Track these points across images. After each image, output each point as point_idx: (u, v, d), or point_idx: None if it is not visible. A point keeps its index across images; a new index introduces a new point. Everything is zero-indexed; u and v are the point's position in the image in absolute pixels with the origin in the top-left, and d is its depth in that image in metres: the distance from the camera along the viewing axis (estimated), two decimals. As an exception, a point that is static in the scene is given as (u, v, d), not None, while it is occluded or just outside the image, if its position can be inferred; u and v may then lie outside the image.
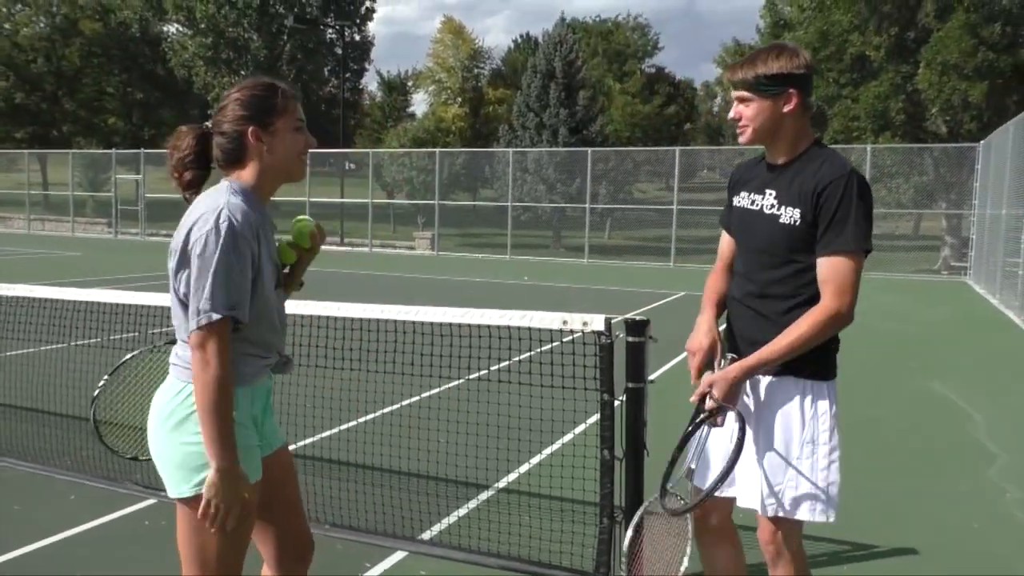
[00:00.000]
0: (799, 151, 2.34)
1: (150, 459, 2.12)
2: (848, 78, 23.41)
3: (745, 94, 2.30)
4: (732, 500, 2.47)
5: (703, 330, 2.45)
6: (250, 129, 2.04)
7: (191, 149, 2.08)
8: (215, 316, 1.89)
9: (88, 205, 33.09)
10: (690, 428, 2.40)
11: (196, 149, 2.08)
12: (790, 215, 2.28)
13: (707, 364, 2.42)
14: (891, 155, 21.81)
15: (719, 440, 2.48)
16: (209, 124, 2.11)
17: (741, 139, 2.36)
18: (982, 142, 18.21)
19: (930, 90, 21.34)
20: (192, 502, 1.98)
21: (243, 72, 39.21)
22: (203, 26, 38.68)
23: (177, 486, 2.00)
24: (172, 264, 1.98)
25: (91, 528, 3.71)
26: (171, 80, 41.94)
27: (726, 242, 2.59)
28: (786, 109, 2.28)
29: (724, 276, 2.58)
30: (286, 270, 2.26)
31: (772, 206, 2.33)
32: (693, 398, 2.35)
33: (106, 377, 2.64)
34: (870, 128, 22.52)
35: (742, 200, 2.46)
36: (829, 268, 2.23)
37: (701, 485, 2.50)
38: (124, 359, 2.67)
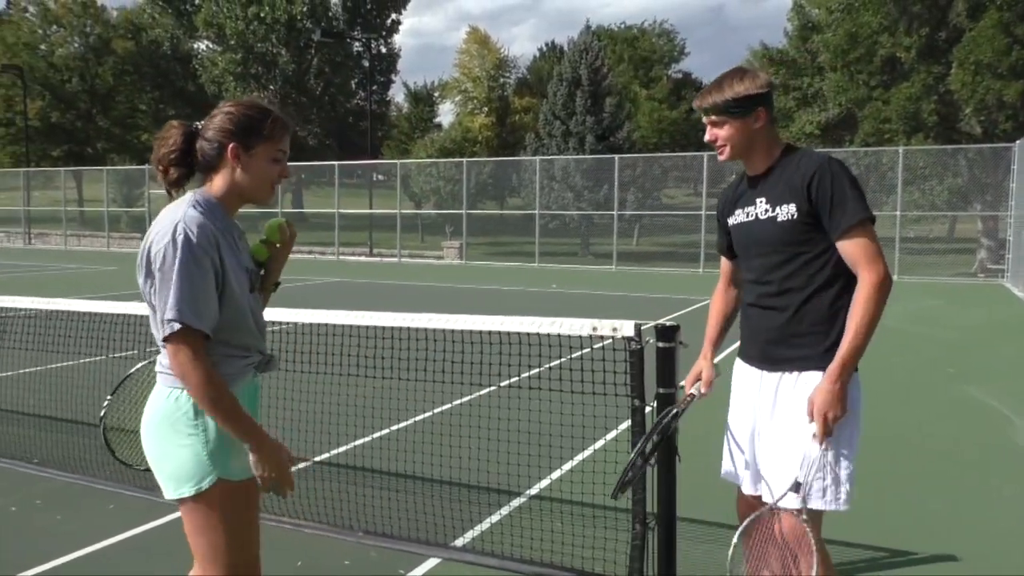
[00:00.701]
0: (775, 157, 2.51)
1: None
2: (878, 80, 23.14)
3: (718, 118, 2.48)
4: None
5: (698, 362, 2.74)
6: (231, 145, 2.10)
7: (177, 146, 2.12)
8: (177, 326, 1.96)
9: (123, 220, 33.71)
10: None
11: (182, 147, 2.13)
12: (786, 212, 2.42)
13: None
14: (924, 157, 21.52)
15: (739, 436, 2.63)
16: (199, 125, 2.16)
17: (721, 158, 2.55)
18: (1018, 142, 17.88)
19: (963, 90, 21.02)
20: (193, 502, 2.06)
21: (271, 87, 39.73)
22: (233, 42, 39.24)
23: (177, 488, 2.07)
24: (140, 278, 2.06)
25: (130, 537, 3.78)
26: (202, 96, 42.61)
27: (725, 263, 2.78)
28: (757, 125, 2.47)
29: (726, 295, 2.79)
30: (262, 272, 2.34)
31: (766, 211, 2.48)
32: (818, 432, 2.35)
33: (109, 397, 2.71)
34: (902, 130, 22.23)
35: (736, 218, 2.60)
36: (851, 247, 2.35)
37: (727, 477, 2.69)
38: (125, 376, 2.75)
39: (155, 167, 2.16)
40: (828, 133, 25.93)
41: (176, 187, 2.14)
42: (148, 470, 2.21)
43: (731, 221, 2.62)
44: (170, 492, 2.09)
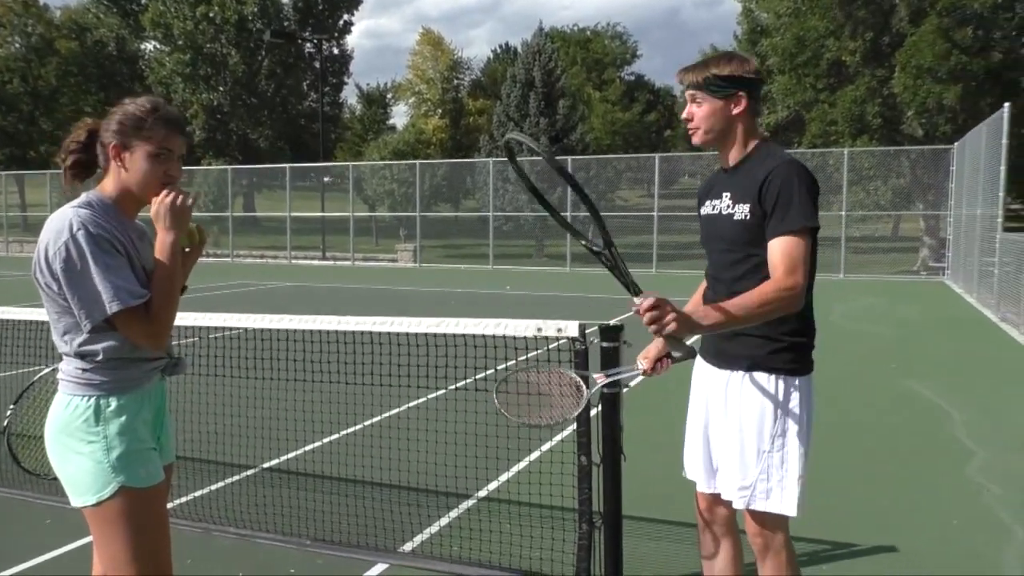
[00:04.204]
0: (747, 151, 2.44)
1: None
2: (825, 83, 23.66)
3: (698, 94, 2.40)
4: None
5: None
6: (112, 144, 2.10)
7: (78, 141, 2.16)
8: (116, 307, 1.97)
9: (67, 225, 32.81)
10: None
11: (84, 142, 2.16)
12: (742, 211, 2.38)
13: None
14: (868, 158, 22.05)
15: (694, 432, 2.62)
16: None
17: (693, 140, 2.46)
18: (956, 144, 18.45)
19: (905, 93, 21.59)
20: (95, 510, 2.04)
21: (221, 88, 39.07)
22: (181, 43, 38.50)
23: (81, 496, 2.06)
24: (41, 282, 2.05)
25: (66, 552, 3.66)
26: (150, 97, 41.74)
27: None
28: (736, 111, 2.38)
29: (700, 295, 2.71)
30: None
31: (728, 207, 2.43)
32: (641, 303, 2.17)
33: (12, 407, 2.66)
34: (848, 132, 22.76)
35: (706, 209, 2.57)
36: (778, 248, 2.28)
37: (689, 475, 2.66)
38: (28, 384, 2.70)
39: (58, 159, 2.18)
40: (778, 135, 26.41)
41: (72, 182, 2.17)
42: (56, 479, 2.17)
43: (702, 212, 2.58)
44: (74, 499, 2.08)
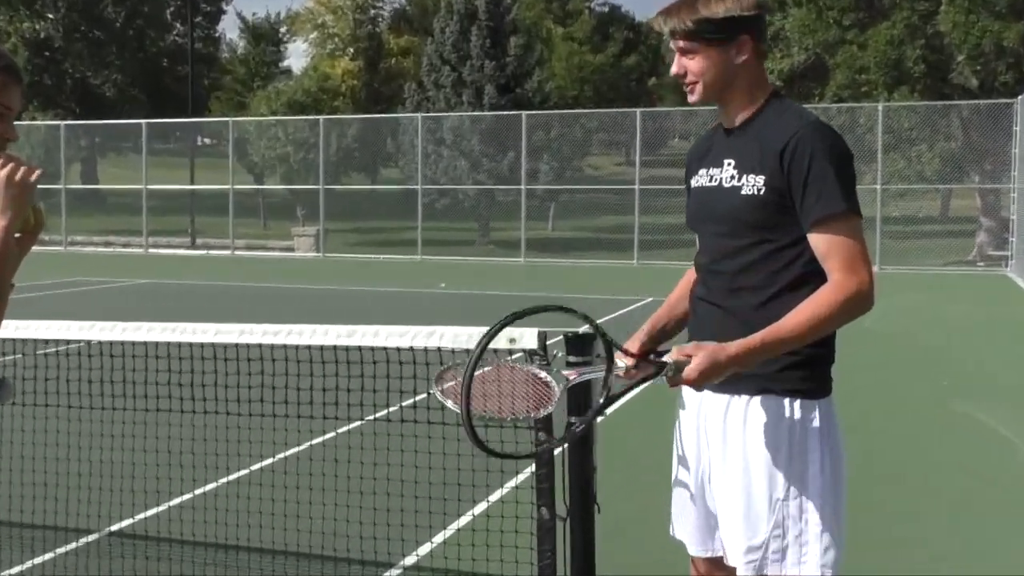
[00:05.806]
0: (757, 106, 2.45)
1: None
2: (853, 19, 24.13)
3: (688, 44, 2.40)
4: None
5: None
6: None
7: None
8: None
9: None
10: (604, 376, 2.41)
11: None
12: (752, 183, 2.37)
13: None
14: (909, 115, 22.51)
15: (685, 479, 2.62)
16: None
17: (691, 98, 2.47)
18: (1020, 97, 18.92)
19: (955, 33, 22.11)
20: None
21: (51, 15, 38.33)
22: (-6, -48, 37.74)
23: None
24: None
25: None
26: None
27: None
28: (740, 59, 2.39)
29: (689, 283, 2.71)
30: None
31: (732, 177, 2.43)
32: (669, 357, 2.30)
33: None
34: (882, 82, 23.23)
35: (700, 179, 2.57)
36: (824, 240, 2.30)
37: (679, 535, 2.68)
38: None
39: None
40: (793, 85, 26.86)
41: None
42: None
43: (693, 183, 2.60)
44: None
